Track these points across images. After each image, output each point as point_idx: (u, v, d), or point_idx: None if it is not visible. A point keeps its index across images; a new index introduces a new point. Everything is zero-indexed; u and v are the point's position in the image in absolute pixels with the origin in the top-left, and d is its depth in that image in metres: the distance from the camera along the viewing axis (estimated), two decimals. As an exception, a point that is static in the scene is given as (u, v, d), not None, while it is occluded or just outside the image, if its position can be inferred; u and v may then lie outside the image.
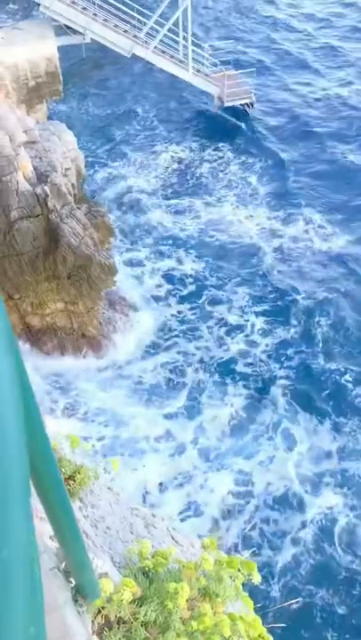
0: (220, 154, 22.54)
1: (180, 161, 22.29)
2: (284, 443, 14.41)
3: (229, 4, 30.71)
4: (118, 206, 20.54)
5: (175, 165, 22.13)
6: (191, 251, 19.11)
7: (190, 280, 18.29)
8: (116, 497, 3.47)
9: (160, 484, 13.72)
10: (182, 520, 12.91)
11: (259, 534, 12.82)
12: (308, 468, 13.95)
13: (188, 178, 21.72)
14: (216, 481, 13.74)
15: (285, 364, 15.92)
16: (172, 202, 20.76)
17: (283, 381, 15.55)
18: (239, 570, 2.95)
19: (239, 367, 15.95)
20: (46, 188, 14.97)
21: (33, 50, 18.45)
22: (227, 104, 23.11)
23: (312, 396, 15.20)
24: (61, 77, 19.52)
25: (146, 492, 13.49)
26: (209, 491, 13.55)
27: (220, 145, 22.80)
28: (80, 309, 15.70)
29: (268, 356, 16.13)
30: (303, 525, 12.95)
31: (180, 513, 13.10)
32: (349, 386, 15.34)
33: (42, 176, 15.36)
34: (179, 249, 19.19)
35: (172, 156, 22.46)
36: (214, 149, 22.67)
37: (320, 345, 16.30)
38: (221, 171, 21.87)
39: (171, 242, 19.42)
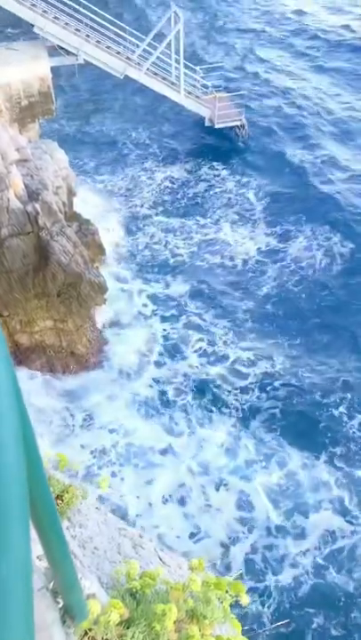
0: (216, 172, 22.79)
1: (173, 179, 22.51)
2: (278, 467, 14.39)
3: (222, 26, 31.23)
4: (110, 225, 20.61)
5: (169, 183, 22.35)
6: (185, 273, 19.14)
7: (182, 302, 18.26)
8: (104, 517, 3.45)
9: (159, 502, 13.75)
10: (195, 542, 12.93)
11: (261, 559, 12.79)
12: (302, 492, 13.93)
13: (183, 195, 21.91)
14: (218, 503, 13.75)
15: (272, 395, 15.80)
16: (169, 219, 20.91)
17: (270, 411, 15.49)
18: (227, 591, 2.94)
19: (229, 395, 15.85)
20: (37, 205, 15.03)
21: (26, 70, 18.62)
22: (218, 125, 23.40)
23: (301, 426, 15.15)
24: (54, 97, 19.71)
25: (149, 505, 13.51)
26: (211, 514, 13.57)
27: (215, 164, 23.07)
28: (69, 327, 15.67)
29: (255, 386, 15.99)
30: (300, 550, 12.92)
31: (191, 536, 13.12)
32: (343, 418, 15.26)
33: (33, 194, 15.43)
34: (173, 270, 19.23)
35: (166, 175, 22.69)
36: (209, 168, 22.94)
37: (309, 378, 16.13)
38: (218, 188, 22.09)
39: (165, 262, 19.47)
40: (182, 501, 13.79)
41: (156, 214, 21.12)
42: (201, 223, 20.81)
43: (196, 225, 20.74)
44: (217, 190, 22.07)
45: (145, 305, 18.06)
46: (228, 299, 18.43)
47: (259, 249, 19.88)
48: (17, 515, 0.67)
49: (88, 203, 20.94)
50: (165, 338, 17.25)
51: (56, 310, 15.40)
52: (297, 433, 15.02)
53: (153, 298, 18.36)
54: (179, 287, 18.73)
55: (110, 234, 20.18)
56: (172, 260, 19.59)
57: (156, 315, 17.85)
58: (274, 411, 15.48)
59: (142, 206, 21.41)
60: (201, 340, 17.20)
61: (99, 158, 23.35)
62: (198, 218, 21.01)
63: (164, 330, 17.46)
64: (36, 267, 15.17)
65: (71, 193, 17.81)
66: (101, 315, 17.32)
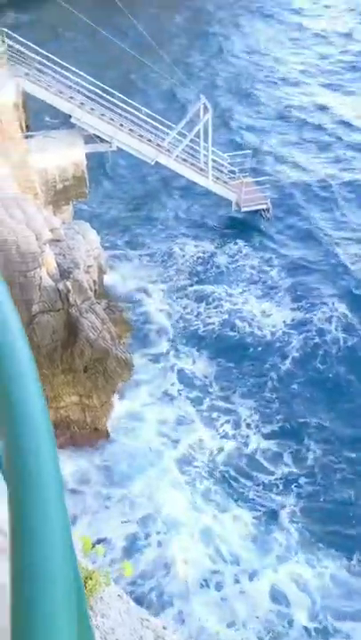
0: (239, 248, 23.37)
1: (204, 252, 23.12)
2: (309, 565, 13.81)
3: (251, 115, 32.76)
4: (138, 300, 20.99)
5: (201, 254, 22.97)
6: (209, 347, 19.23)
7: (205, 381, 18.18)
8: (127, 605, 3.34)
9: (196, 586, 13.30)
10: (234, 632, 12.40)
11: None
12: (339, 595, 13.30)
13: (213, 265, 22.41)
14: (253, 593, 13.21)
15: (298, 488, 15.26)
16: (201, 288, 21.41)
17: (297, 506, 14.93)
18: None
19: (252, 485, 15.44)
20: (68, 283, 15.46)
21: (62, 156, 19.68)
22: (244, 209, 24.12)
23: (332, 525, 14.52)
24: (88, 181, 20.67)
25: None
26: (246, 605, 13.01)
27: (239, 241, 23.72)
28: (94, 403, 15.70)
29: (280, 478, 15.53)
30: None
31: (230, 626, 12.61)
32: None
33: (65, 272, 15.92)
34: (198, 344, 19.34)
35: (197, 249, 23.32)
36: (234, 244, 23.60)
37: (339, 471, 15.55)
38: (241, 264, 22.60)
39: (190, 336, 19.64)
40: (219, 587, 13.31)
41: (190, 285, 21.73)
42: (229, 292, 21.28)
43: (225, 294, 21.19)
44: (240, 264, 22.60)
45: (172, 383, 17.99)
46: (256, 374, 18.37)
47: (284, 322, 20.05)
48: (66, 617, 0.67)
49: (124, 276, 21.57)
50: (191, 419, 17.04)
51: (82, 386, 15.49)
52: (327, 532, 14.37)
53: (181, 374, 18.33)
54: (208, 362, 18.74)
55: (145, 306, 20.60)
56: (202, 331, 19.80)
57: (181, 394, 17.74)
58: (301, 506, 14.92)
59: (176, 278, 22.03)
60: (227, 421, 16.96)
61: (131, 235, 24.10)
62: (227, 287, 21.50)
63: (190, 410, 17.29)
64: (65, 343, 15.41)
65: (101, 271, 18.33)
66: (127, 391, 17.33)
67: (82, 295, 15.70)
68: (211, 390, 17.92)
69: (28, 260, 15.08)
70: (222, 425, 16.88)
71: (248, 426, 16.84)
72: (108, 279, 20.98)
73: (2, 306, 0.98)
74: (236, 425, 16.86)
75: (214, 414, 17.22)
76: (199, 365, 18.70)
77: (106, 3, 31.79)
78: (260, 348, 19.16)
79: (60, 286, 15.40)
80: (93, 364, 15.29)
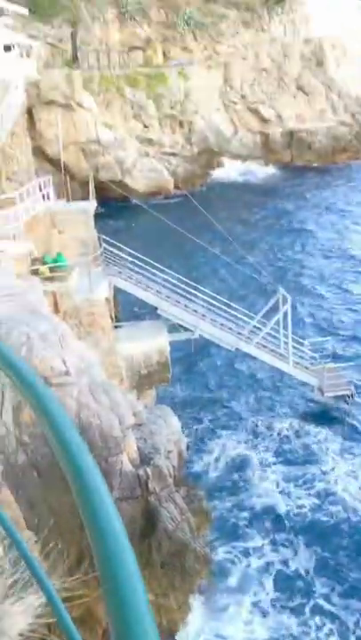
0: (323, 431, 22.76)
1: (285, 434, 22.57)
2: None
3: (330, 302, 33.76)
4: (220, 487, 20.25)
5: (280, 438, 22.40)
6: (303, 534, 17.93)
7: (303, 578, 16.55)
8: None
9: None
10: None
11: None
12: None
13: (294, 450, 21.73)
14: None
15: None
16: (288, 468, 20.77)
17: None
18: None
19: None
20: (148, 470, 15.28)
21: (147, 345, 20.78)
22: (326, 394, 23.81)
23: None
24: (171, 367, 21.46)
25: None
26: None
27: (323, 425, 23.15)
28: (171, 604, 14.49)
29: None
30: None
31: None
32: None
33: (145, 458, 15.83)
34: (291, 532, 18.06)
35: (278, 431, 22.77)
36: (316, 427, 23.06)
37: None
38: (326, 446, 21.89)
39: (281, 522, 18.47)
40: None
41: (275, 463, 21.06)
42: (318, 473, 20.43)
43: (314, 475, 20.33)
44: (325, 446, 21.78)
45: (266, 590, 16.09)
46: (353, 568, 16.76)
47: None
48: None
49: (209, 456, 21.22)
50: (287, 631, 15.13)
51: (158, 583, 14.47)
52: None
53: (273, 570, 16.68)
54: (305, 558, 17.19)
55: (230, 490, 19.83)
56: (295, 514, 18.63)
57: (276, 604, 15.77)
58: None
59: (263, 455, 21.49)
60: (331, 633, 15.04)
61: (214, 415, 24.05)
62: (315, 469, 20.68)
63: (285, 618, 15.30)
64: (143, 533, 14.81)
65: (181, 457, 18.09)
66: (210, 593, 15.88)
67: (161, 482, 15.38)
68: (308, 590, 16.20)
69: (111, 445, 15.17)
70: (327, 636, 14.92)
71: (354, 633, 14.87)
72: (193, 463, 20.63)
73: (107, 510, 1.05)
74: (341, 636, 14.91)
75: (317, 619, 15.33)
76: (293, 558, 17.22)
77: (191, 210, 35.52)
78: (354, 537, 17.85)
79: (141, 472, 15.22)
80: (170, 559, 14.42)
